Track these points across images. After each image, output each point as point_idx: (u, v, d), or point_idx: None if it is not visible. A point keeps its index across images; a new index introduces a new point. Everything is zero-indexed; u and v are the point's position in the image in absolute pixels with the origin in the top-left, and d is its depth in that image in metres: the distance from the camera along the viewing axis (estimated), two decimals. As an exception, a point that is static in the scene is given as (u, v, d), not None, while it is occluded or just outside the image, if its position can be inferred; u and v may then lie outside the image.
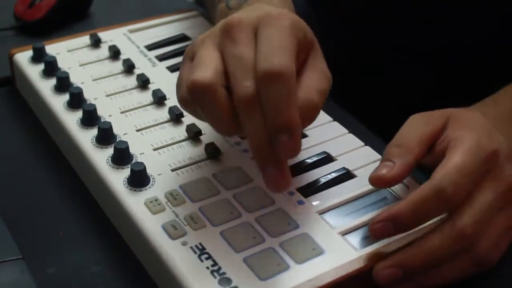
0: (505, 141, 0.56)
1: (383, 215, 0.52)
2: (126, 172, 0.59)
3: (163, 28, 0.79)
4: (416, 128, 0.56)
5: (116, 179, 0.59)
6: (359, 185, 0.59)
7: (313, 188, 0.59)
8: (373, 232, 0.52)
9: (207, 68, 0.51)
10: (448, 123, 0.56)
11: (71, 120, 0.65)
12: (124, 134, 0.63)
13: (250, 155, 0.61)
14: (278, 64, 0.49)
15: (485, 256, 0.52)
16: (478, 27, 0.79)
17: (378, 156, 0.62)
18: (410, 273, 0.52)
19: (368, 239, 0.54)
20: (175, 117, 0.65)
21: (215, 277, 0.51)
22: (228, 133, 0.55)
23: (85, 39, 0.76)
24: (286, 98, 0.49)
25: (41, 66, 0.71)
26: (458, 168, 0.52)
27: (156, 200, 0.57)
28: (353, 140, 0.64)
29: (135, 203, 0.56)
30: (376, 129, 0.72)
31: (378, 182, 0.55)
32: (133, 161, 0.60)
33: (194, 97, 0.51)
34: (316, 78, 0.53)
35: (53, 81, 0.69)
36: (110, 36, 0.76)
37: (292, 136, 0.49)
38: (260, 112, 0.49)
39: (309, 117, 0.52)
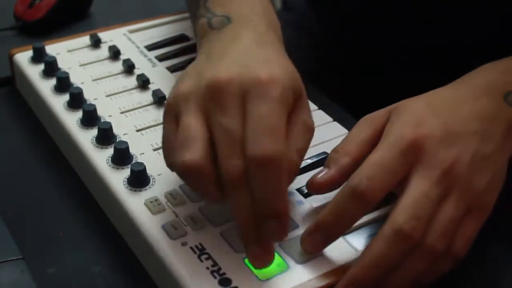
0: (444, 122, 0.53)
1: (310, 228, 0.51)
2: (126, 172, 0.59)
3: (163, 28, 0.79)
4: (359, 131, 0.55)
5: (116, 179, 0.59)
6: (359, 185, 0.59)
7: (313, 188, 0.59)
8: (305, 248, 0.52)
9: (195, 147, 0.49)
10: (390, 118, 0.55)
11: (71, 120, 0.65)
12: (124, 134, 0.63)
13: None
14: (269, 149, 0.47)
15: (439, 249, 0.50)
16: (478, 27, 0.79)
17: (378, 156, 0.62)
18: (369, 285, 0.50)
19: (368, 240, 0.54)
20: (175, 117, 0.65)
21: (215, 277, 0.51)
22: (215, 202, 0.53)
23: (85, 39, 0.76)
24: (276, 185, 0.48)
25: (41, 66, 0.71)
26: (373, 162, 0.51)
27: (156, 200, 0.57)
28: (353, 140, 0.64)
29: (135, 203, 0.56)
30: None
31: (311, 187, 0.54)
32: (133, 161, 0.60)
33: (182, 176, 0.51)
34: (297, 136, 0.52)
35: (53, 81, 0.69)
36: (110, 36, 0.76)
37: (281, 222, 0.48)
38: (247, 191, 0.48)
39: (289, 177, 0.51)
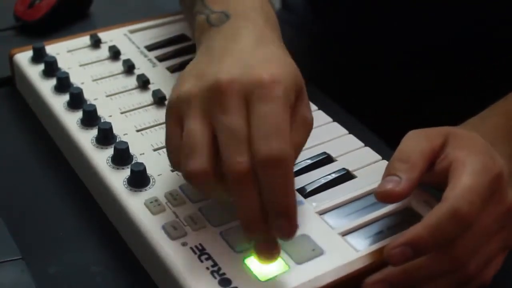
0: (504, 163, 0.55)
1: (401, 240, 0.50)
2: (126, 172, 0.59)
3: (163, 28, 0.78)
4: (417, 143, 0.55)
5: (116, 180, 0.59)
6: (359, 185, 0.59)
7: (313, 189, 0.59)
8: (391, 257, 0.50)
9: (200, 155, 0.50)
10: (448, 141, 0.55)
11: (71, 120, 0.65)
12: (124, 135, 0.63)
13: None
14: (277, 148, 0.48)
15: (474, 276, 0.52)
16: (478, 27, 0.79)
17: (378, 157, 0.62)
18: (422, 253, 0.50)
19: (368, 240, 0.54)
20: (175, 118, 0.65)
21: (215, 277, 0.51)
22: (221, 202, 0.54)
23: (85, 39, 0.76)
24: (285, 184, 0.48)
25: (41, 66, 0.71)
26: (471, 188, 0.51)
27: (156, 200, 0.57)
28: (353, 141, 0.64)
29: (135, 204, 0.56)
30: (376, 129, 0.72)
31: (386, 197, 0.53)
32: (133, 162, 0.60)
33: (190, 183, 0.51)
34: (296, 131, 0.52)
35: (53, 81, 0.69)
36: (110, 36, 0.76)
37: (291, 220, 0.49)
38: (252, 189, 0.49)
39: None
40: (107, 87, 0.69)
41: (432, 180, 0.55)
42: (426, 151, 0.54)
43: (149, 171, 0.59)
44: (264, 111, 0.49)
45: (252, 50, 0.54)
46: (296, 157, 0.52)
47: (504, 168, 0.54)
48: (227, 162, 0.49)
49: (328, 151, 0.63)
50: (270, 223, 0.49)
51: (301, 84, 0.54)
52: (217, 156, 0.50)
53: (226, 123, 0.49)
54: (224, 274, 0.51)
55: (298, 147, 0.53)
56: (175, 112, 0.53)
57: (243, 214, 0.50)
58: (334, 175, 0.60)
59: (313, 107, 0.68)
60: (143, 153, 0.61)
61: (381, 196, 0.53)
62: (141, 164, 0.58)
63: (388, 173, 0.54)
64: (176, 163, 0.53)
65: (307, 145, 0.61)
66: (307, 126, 0.54)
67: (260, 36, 0.56)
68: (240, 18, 0.58)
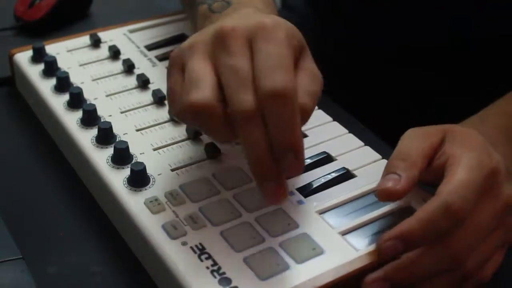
0: (502, 159, 0.55)
1: (392, 233, 0.50)
2: (126, 172, 0.59)
3: (163, 28, 0.78)
4: (416, 141, 0.55)
5: (116, 179, 0.59)
6: (359, 185, 0.59)
7: (313, 188, 0.59)
8: (382, 250, 0.51)
9: (204, 87, 0.50)
10: (446, 139, 0.55)
11: (71, 120, 0.65)
12: (124, 134, 0.63)
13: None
14: (281, 83, 0.48)
15: (472, 274, 0.52)
16: (478, 27, 0.79)
17: (378, 156, 0.62)
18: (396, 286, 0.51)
19: (368, 239, 0.54)
20: (175, 117, 0.65)
21: (215, 277, 0.51)
22: (226, 142, 0.54)
23: (85, 39, 0.76)
24: (292, 118, 0.49)
25: (41, 66, 0.71)
26: (464, 183, 0.51)
27: (156, 200, 0.57)
28: (353, 140, 0.64)
29: (135, 203, 0.56)
30: (375, 129, 0.72)
31: (386, 195, 0.53)
32: (133, 161, 0.60)
33: (192, 117, 0.50)
34: (307, 81, 0.52)
35: (53, 81, 0.69)
36: (110, 36, 0.76)
37: (299, 155, 0.49)
38: (260, 126, 0.49)
39: (302, 120, 0.51)
40: (107, 87, 0.69)
41: (430, 177, 0.55)
42: (424, 149, 0.55)
43: (149, 171, 0.59)
44: (267, 49, 0.50)
45: (252, 14, 0.56)
46: (312, 107, 0.52)
47: (501, 165, 0.54)
48: (233, 101, 0.49)
49: (328, 151, 0.63)
50: (279, 161, 0.49)
51: (302, 40, 0.54)
52: (222, 95, 0.50)
53: (230, 63, 0.50)
54: (224, 273, 0.51)
55: (313, 96, 0.52)
56: (178, 60, 0.53)
57: (251, 153, 0.49)
58: (334, 175, 0.60)
59: (324, 115, 0.68)
60: (143, 153, 0.61)
61: (381, 195, 0.53)
62: (141, 163, 0.58)
63: (387, 171, 0.54)
64: (177, 107, 0.52)
65: (307, 144, 0.62)
66: (318, 78, 0.53)
67: (259, 11, 0.58)
68: (242, 5, 0.60)
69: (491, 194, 0.52)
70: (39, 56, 0.72)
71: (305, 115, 0.51)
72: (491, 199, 0.52)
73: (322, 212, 0.57)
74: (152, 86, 0.69)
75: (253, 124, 0.49)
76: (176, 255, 0.52)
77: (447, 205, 0.50)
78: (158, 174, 0.59)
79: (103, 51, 0.74)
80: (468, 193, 0.51)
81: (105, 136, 0.62)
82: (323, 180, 0.59)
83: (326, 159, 0.62)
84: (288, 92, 0.48)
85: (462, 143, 0.55)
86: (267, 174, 0.50)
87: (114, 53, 0.73)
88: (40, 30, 0.84)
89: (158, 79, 0.70)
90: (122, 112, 0.66)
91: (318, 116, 0.67)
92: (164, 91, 0.67)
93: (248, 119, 0.48)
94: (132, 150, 0.61)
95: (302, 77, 0.52)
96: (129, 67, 0.71)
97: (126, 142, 0.60)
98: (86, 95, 0.67)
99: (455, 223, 0.50)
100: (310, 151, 0.62)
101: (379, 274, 0.51)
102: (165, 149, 0.62)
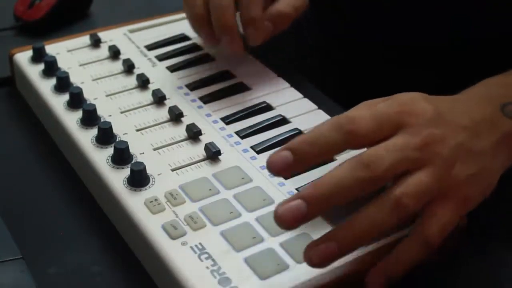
0: (436, 108, 0.54)
1: (282, 147, 0.50)
2: (126, 172, 0.59)
3: (163, 28, 0.78)
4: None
5: (116, 179, 0.59)
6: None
7: (313, 188, 0.58)
8: (271, 163, 0.50)
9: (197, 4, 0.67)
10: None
11: (71, 120, 0.65)
12: (124, 134, 0.63)
13: (249, 156, 0.61)
14: None
15: (405, 204, 0.49)
16: (478, 27, 0.79)
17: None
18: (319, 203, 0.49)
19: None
20: (175, 117, 0.65)
21: (215, 277, 0.51)
22: (216, 42, 0.69)
23: (85, 39, 0.76)
24: (254, 2, 0.65)
25: (41, 66, 0.71)
26: (365, 104, 0.54)
27: (156, 200, 0.57)
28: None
29: (135, 203, 0.56)
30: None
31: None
32: (133, 161, 0.60)
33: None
34: None
35: (53, 81, 0.69)
36: (110, 36, 0.76)
37: (256, 27, 0.66)
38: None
39: (282, 24, 0.67)
40: (107, 87, 0.69)
41: None
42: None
43: (149, 171, 0.59)
44: None
45: None
46: (294, 16, 0.68)
47: (425, 111, 0.53)
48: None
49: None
50: (244, 31, 0.67)
51: None
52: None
53: None
54: (224, 273, 0.51)
55: (298, 8, 0.68)
56: None
57: (217, 15, 0.66)
58: (334, 175, 0.60)
59: (313, 106, 0.68)
60: (143, 153, 0.61)
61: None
62: (141, 163, 0.58)
63: None
64: (198, 15, 0.68)
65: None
66: None
67: None
68: None
69: (405, 127, 0.51)
70: (39, 56, 0.72)
71: (285, 21, 0.67)
72: (405, 131, 0.51)
73: (322, 212, 0.57)
74: (152, 86, 0.69)
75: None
76: (176, 255, 0.52)
77: (337, 118, 0.52)
78: (158, 174, 0.59)
79: (103, 51, 0.74)
80: (364, 111, 0.52)
81: (105, 136, 0.62)
82: (323, 180, 0.59)
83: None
84: None
85: (392, 98, 0.56)
86: (225, 30, 0.66)
87: (114, 53, 0.73)
88: (40, 30, 0.84)
89: (158, 79, 0.70)
90: (122, 112, 0.66)
91: (318, 115, 0.67)
92: (164, 90, 0.67)
93: None
94: (132, 150, 0.61)
95: None
96: (129, 67, 0.71)
97: (126, 142, 0.60)
98: (86, 95, 0.67)
99: (346, 136, 0.51)
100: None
101: (375, 269, 0.51)
102: (165, 149, 0.62)
